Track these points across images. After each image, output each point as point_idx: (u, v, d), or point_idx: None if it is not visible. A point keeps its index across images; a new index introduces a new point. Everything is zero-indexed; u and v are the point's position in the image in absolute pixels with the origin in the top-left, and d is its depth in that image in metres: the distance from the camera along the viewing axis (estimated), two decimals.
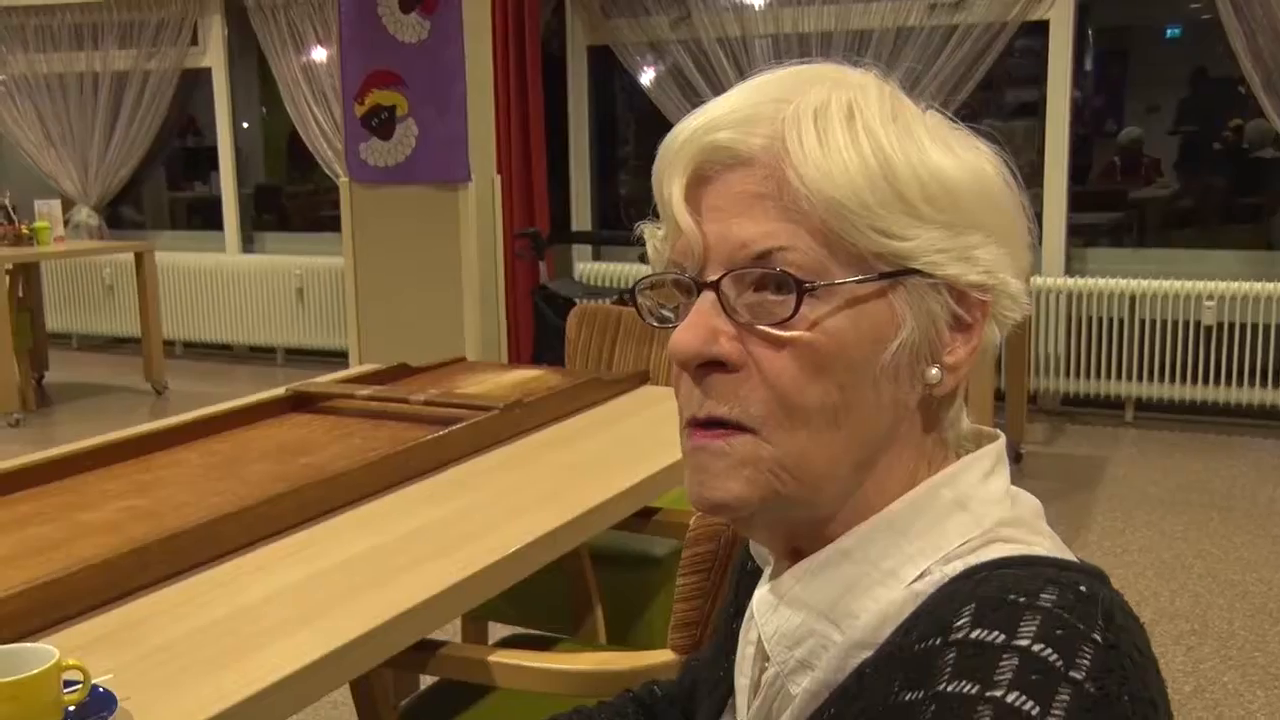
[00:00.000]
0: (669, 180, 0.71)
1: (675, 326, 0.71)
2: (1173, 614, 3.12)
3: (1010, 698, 0.56)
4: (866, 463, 0.70)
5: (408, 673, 2.11)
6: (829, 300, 0.67)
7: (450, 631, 2.33)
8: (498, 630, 2.32)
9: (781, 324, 0.67)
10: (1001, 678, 0.57)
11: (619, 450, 1.94)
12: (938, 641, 0.61)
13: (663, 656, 1.41)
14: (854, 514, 0.71)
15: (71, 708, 1.04)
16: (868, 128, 0.68)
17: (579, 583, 2.02)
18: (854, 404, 0.68)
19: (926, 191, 0.68)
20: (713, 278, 0.69)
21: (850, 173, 0.66)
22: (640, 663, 1.41)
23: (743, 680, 0.79)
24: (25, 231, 5.74)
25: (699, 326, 0.69)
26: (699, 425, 0.70)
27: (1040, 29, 5.07)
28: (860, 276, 0.67)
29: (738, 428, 0.69)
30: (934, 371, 0.70)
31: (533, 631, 2.12)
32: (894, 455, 0.71)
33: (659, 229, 0.75)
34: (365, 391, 2.16)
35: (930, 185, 0.68)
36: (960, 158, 0.70)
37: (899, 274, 0.68)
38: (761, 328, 0.68)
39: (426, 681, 1.96)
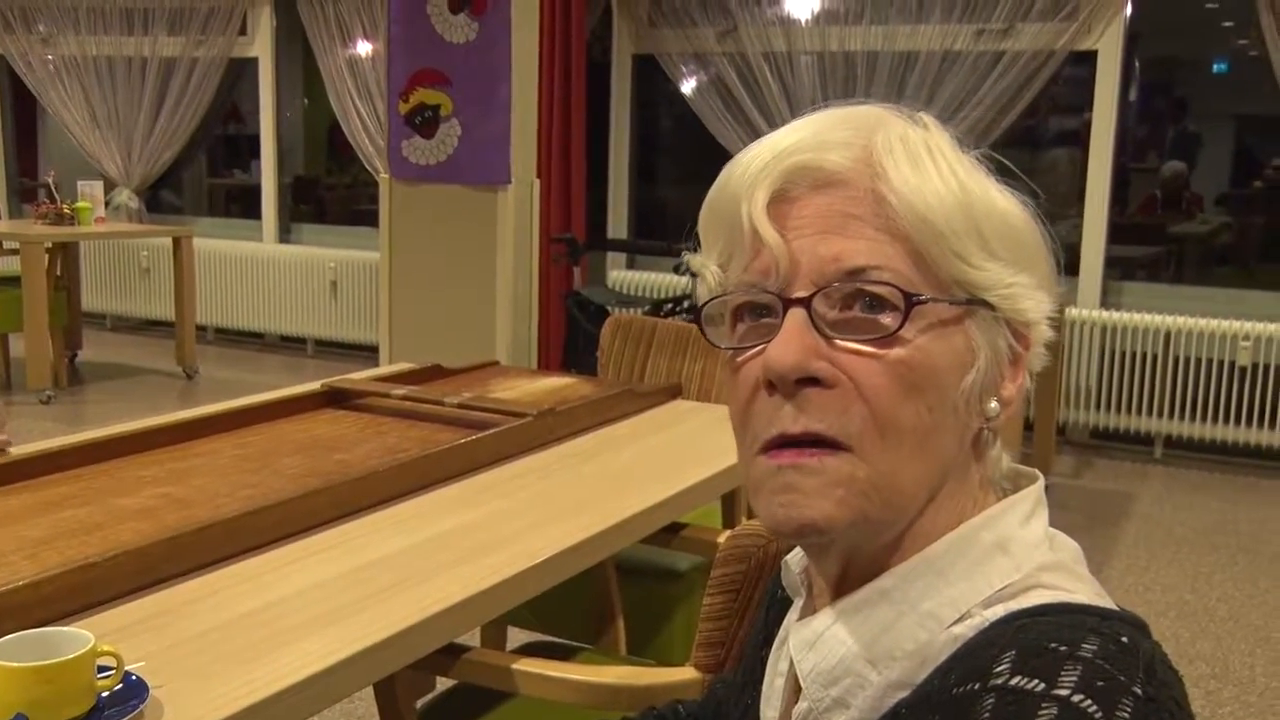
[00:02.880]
0: (747, 200, 0.70)
1: (748, 346, 0.71)
2: (1193, 656, 3.09)
3: None
4: (936, 491, 0.70)
5: (428, 674, 2.12)
6: (919, 320, 0.68)
7: (470, 634, 2.34)
8: (515, 634, 2.33)
9: (881, 340, 0.67)
10: None
11: (650, 463, 1.95)
12: (976, 686, 0.61)
13: (686, 674, 1.41)
14: (904, 545, 0.71)
15: (105, 694, 1.05)
16: (948, 161, 0.70)
17: (602, 593, 2.02)
18: (939, 428, 0.69)
19: (996, 228, 0.70)
20: (802, 294, 0.68)
21: (942, 197, 0.68)
22: (664, 679, 1.41)
23: (770, 713, 0.79)
24: (66, 211, 5.80)
25: (795, 342, 0.68)
26: (790, 443, 0.68)
27: (1086, 59, 5.04)
28: (949, 298, 0.68)
29: (833, 445, 0.67)
30: (993, 405, 0.71)
31: (552, 639, 2.12)
32: (950, 489, 0.71)
33: (712, 258, 0.74)
34: (399, 391, 2.17)
35: (999, 223, 0.70)
36: (1012, 201, 0.72)
37: (975, 303, 0.69)
38: (854, 344, 0.67)
39: (444, 682, 1.97)
